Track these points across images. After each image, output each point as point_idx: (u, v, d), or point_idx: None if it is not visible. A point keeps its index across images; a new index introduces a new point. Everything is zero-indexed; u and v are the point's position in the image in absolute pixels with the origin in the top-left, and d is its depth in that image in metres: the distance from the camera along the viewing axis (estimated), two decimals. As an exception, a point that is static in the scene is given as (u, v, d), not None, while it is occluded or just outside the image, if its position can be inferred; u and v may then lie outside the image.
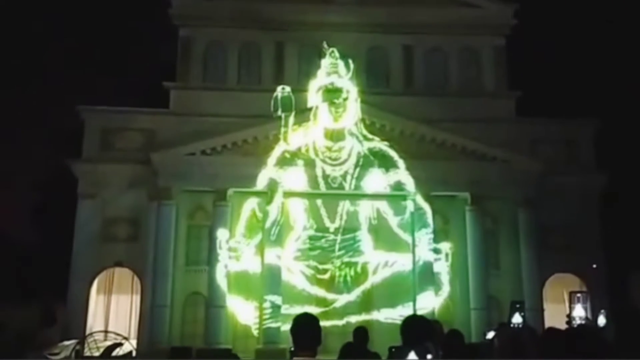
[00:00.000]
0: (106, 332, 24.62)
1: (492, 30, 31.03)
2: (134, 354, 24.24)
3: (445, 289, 27.96)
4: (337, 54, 28.42)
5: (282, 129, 27.19)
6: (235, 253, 27.56)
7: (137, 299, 28.17)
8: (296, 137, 28.16)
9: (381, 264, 28.64)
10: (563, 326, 15.02)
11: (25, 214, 37.99)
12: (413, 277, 26.91)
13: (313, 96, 28.47)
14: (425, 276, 26.97)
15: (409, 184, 27.63)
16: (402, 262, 27.76)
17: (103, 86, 37.91)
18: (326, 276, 28.47)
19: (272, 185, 27.65)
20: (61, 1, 41.20)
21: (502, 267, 28.38)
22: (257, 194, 27.21)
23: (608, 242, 29.03)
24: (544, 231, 27.90)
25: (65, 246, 28.54)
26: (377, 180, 28.52)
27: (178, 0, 30.83)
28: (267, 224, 27.44)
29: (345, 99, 28.27)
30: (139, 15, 38.92)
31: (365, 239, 28.79)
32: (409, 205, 27.83)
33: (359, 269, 28.62)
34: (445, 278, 27.99)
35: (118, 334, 17.15)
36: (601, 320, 16.03)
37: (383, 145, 28.49)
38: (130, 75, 38.85)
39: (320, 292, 27.52)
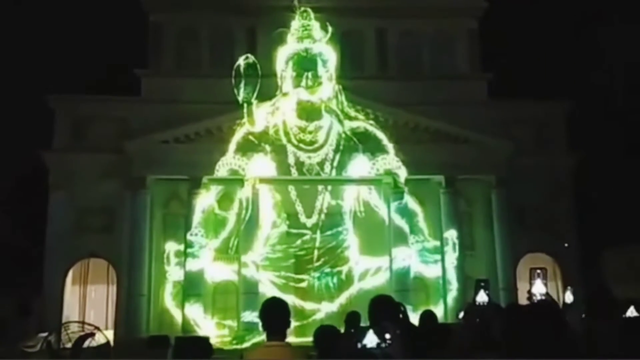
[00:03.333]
0: (80, 322, 24.46)
1: (464, 13, 31.12)
2: (111, 344, 24.10)
3: (453, 292, 24.98)
4: (311, 15, 25.62)
5: (244, 104, 23.68)
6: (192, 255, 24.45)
7: (113, 289, 27.98)
8: (262, 115, 24.63)
9: (372, 269, 25.26)
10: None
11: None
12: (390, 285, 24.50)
13: (282, 65, 25.24)
14: (402, 285, 24.07)
15: (401, 171, 25.06)
16: (398, 265, 24.68)
17: (73, 74, 37.24)
18: (303, 284, 25.11)
19: (236, 173, 24.57)
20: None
21: (477, 248, 28.73)
22: (231, 181, 25.91)
23: (580, 221, 29.60)
24: (517, 212, 28.26)
25: (39, 238, 28.18)
26: (362, 168, 25.11)
27: (147, -15, 30.31)
28: (234, 221, 24.46)
29: (317, 77, 24.36)
30: (108, 1, 38.22)
31: (350, 237, 25.65)
32: (404, 196, 24.56)
33: (343, 275, 25.68)
34: (453, 281, 25.10)
35: (90, 324, 17.03)
36: (568, 297, 16.45)
37: (368, 125, 25.41)
38: (101, 62, 38.23)
39: (296, 302, 23.82)
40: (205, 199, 26.20)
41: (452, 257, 26.14)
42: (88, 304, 28.14)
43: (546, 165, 28.93)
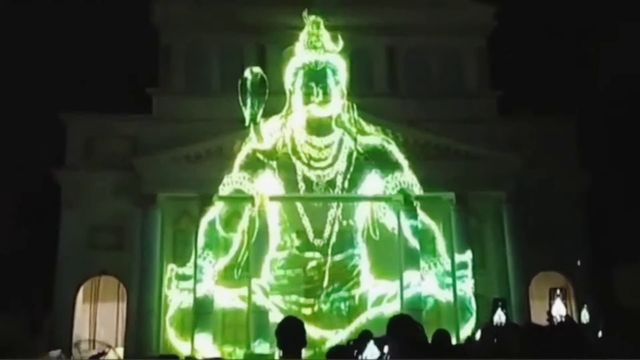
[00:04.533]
0: (91, 341, 24.51)
1: (473, 31, 31.31)
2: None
3: (472, 320, 23.30)
4: (321, 24, 24.92)
5: (250, 120, 22.83)
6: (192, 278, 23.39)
7: (123, 306, 27.99)
8: (270, 131, 23.84)
9: (388, 295, 23.64)
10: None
11: (9, 223, 37.52)
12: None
13: (290, 78, 24.59)
14: (416, 310, 22.01)
15: (416, 189, 23.94)
16: (411, 289, 23.13)
17: (85, 93, 37.62)
18: (313, 309, 23.67)
19: (241, 192, 23.64)
20: (42, 8, 40.83)
21: (488, 266, 28.45)
22: (241, 199, 25.35)
23: (592, 238, 29.33)
24: (529, 229, 28.02)
25: (50, 255, 28.29)
26: (375, 186, 23.91)
27: (159, 6, 30.77)
28: (241, 242, 23.36)
29: (327, 90, 23.40)
30: (120, 21, 38.75)
31: (363, 260, 24.38)
32: (419, 215, 23.11)
33: (355, 301, 24.19)
34: (472, 304, 23.69)
35: (102, 343, 17.05)
36: (584, 316, 16.19)
37: (381, 141, 24.40)
38: (113, 81, 38.61)
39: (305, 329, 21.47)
40: (211, 218, 25.17)
41: (470, 279, 24.96)
42: (98, 321, 28.16)
43: (557, 181, 28.78)
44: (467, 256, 25.36)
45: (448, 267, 25.09)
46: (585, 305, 17.58)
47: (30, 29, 41.86)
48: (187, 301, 25.13)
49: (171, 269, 25.85)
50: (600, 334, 7.61)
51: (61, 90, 38.39)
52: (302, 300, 23.99)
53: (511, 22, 32.83)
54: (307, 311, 23.48)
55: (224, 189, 24.65)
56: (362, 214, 25.59)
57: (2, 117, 37.85)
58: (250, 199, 25.13)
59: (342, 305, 24.03)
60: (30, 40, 42.30)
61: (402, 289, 24.16)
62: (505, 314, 11.76)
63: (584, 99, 36.36)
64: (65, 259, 27.71)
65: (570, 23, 40.61)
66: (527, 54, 39.45)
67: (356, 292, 24.54)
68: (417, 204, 24.83)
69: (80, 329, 27.87)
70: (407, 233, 24.64)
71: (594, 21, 39.77)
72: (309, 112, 24.38)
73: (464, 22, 31.14)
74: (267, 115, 25.30)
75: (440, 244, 25.66)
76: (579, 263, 27.97)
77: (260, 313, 23.92)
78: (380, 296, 24.23)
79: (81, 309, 28.41)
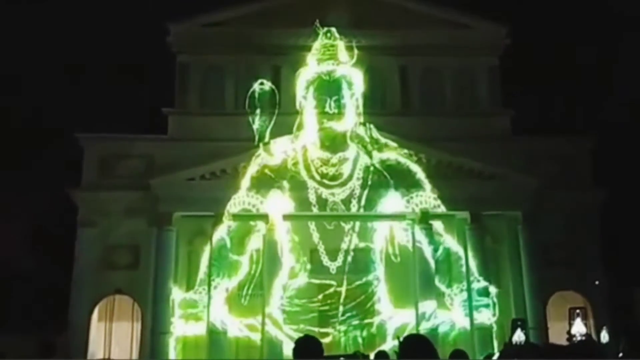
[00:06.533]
0: (107, 360, 24.57)
1: (485, 50, 31.39)
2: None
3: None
4: (335, 34, 23.80)
5: (259, 136, 21.76)
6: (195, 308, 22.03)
7: (138, 326, 28.00)
8: (280, 146, 22.64)
9: (410, 325, 21.61)
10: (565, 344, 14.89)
11: (25, 243, 37.88)
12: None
13: (302, 90, 23.44)
14: (436, 338, 20.22)
15: (439, 209, 22.62)
16: (435, 320, 21.62)
17: (101, 113, 38.16)
18: (327, 339, 21.80)
19: (246, 211, 22.17)
20: (59, 28, 41.64)
21: (504, 286, 28.00)
22: (253, 217, 24.21)
23: (609, 258, 28.96)
24: (545, 248, 27.74)
25: (65, 274, 28.47)
26: (394, 206, 22.33)
27: (176, 28, 31.27)
28: (251, 267, 21.86)
29: (341, 103, 22.02)
30: (137, 43, 39.37)
31: (381, 285, 22.79)
32: (442, 238, 21.49)
33: (373, 329, 22.55)
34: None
35: (117, 362, 17.11)
36: (604, 337, 15.93)
37: (400, 157, 23.05)
38: (129, 101, 39.13)
39: None
40: (219, 239, 23.92)
41: (496, 308, 23.59)
42: (113, 341, 28.17)
43: (573, 201, 28.54)
44: (491, 290, 24.25)
45: (475, 295, 23.36)
46: (605, 327, 17.30)
47: (45, 50, 42.64)
48: (192, 330, 24.04)
49: (176, 294, 24.90)
50: (620, 354, 7.53)
51: (78, 111, 38.99)
52: (316, 330, 22.13)
53: (523, 40, 32.89)
54: (321, 341, 22.38)
55: (231, 209, 23.93)
56: (381, 235, 24.10)
57: (19, 137, 38.44)
58: (263, 217, 23.82)
59: (359, 336, 22.47)
60: (46, 62, 43.07)
61: (417, 316, 22.44)
62: (525, 334, 11.61)
63: (598, 117, 36.19)
64: (80, 277, 27.84)
65: (583, 41, 40.59)
66: (540, 72, 39.43)
67: (374, 321, 23.00)
68: (432, 223, 24.08)
69: (95, 348, 27.90)
70: (428, 256, 23.26)
71: (607, 39, 39.70)
72: (322, 126, 23.17)
73: (476, 41, 31.25)
74: (280, 135, 25.34)
75: (461, 266, 24.22)
76: (597, 283, 27.62)
77: (273, 344, 22.57)
78: (403, 325, 22.48)
79: (96, 328, 28.44)
